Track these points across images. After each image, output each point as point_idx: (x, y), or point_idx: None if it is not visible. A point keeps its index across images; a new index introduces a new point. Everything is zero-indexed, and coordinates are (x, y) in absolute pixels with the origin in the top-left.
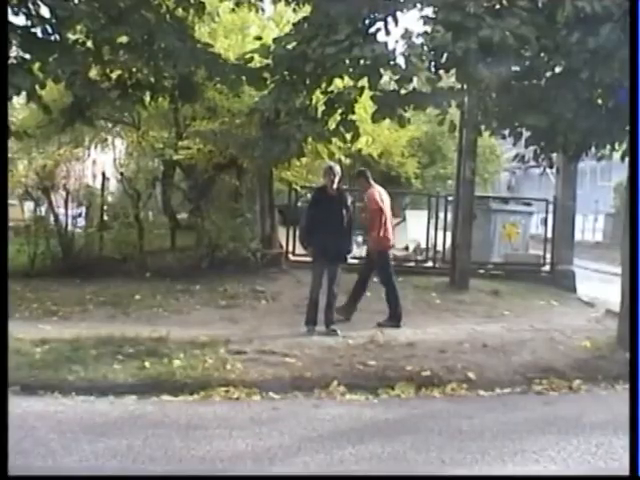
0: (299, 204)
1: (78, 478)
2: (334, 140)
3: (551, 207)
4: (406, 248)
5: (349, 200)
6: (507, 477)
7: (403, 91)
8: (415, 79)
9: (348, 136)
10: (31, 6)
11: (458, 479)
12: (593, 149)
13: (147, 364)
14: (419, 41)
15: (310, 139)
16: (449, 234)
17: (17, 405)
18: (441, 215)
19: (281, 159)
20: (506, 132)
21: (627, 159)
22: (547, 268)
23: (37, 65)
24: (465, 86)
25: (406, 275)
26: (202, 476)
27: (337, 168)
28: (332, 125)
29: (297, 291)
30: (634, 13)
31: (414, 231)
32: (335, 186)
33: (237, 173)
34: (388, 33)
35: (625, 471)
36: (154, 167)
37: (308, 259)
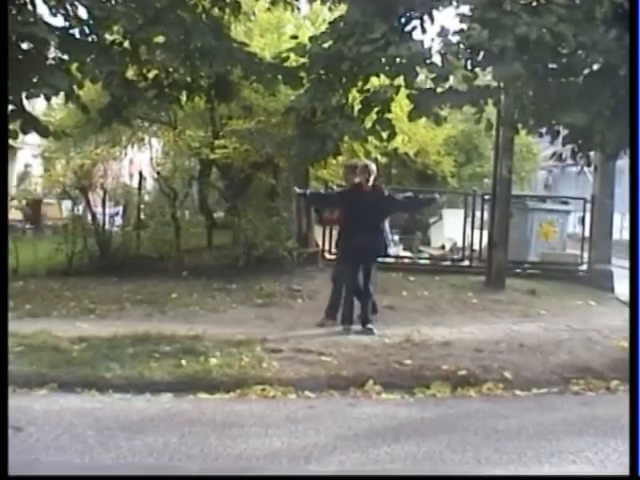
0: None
1: (78, 478)
2: (370, 139)
3: (589, 206)
4: (442, 247)
5: (385, 194)
6: (507, 477)
7: (439, 89)
8: (451, 77)
9: (384, 135)
10: (69, 7)
11: (458, 479)
12: None
13: (183, 362)
14: (455, 39)
15: (346, 138)
16: (485, 233)
17: (55, 402)
18: (477, 214)
19: (317, 158)
20: (543, 130)
21: None
22: (585, 267)
23: (75, 65)
24: (502, 84)
25: (442, 274)
26: (208, 476)
27: (373, 166)
28: (368, 124)
29: None
30: (634, 13)
31: (451, 230)
32: (370, 184)
33: (273, 172)
34: (424, 31)
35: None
36: (190, 166)
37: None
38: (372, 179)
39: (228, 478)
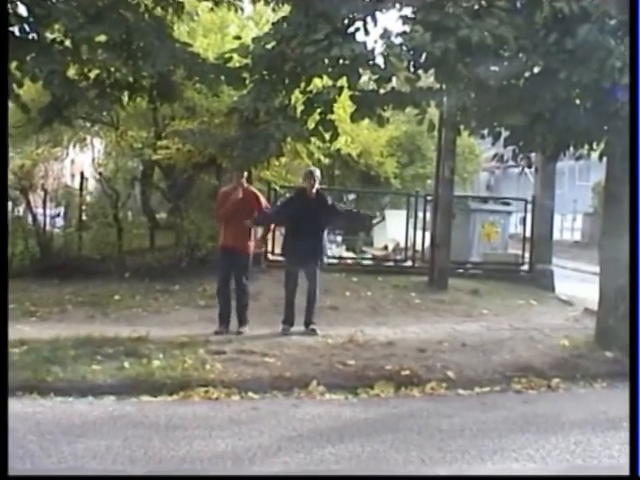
0: (278, 204)
1: (78, 478)
2: (313, 140)
3: (530, 206)
4: (385, 247)
5: (329, 203)
6: (508, 477)
7: (382, 91)
8: (394, 79)
9: (327, 136)
10: (8, 5)
11: (458, 479)
12: (572, 149)
13: (126, 365)
14: (398, 41)
15: (289, 139)
16: (428, 233)
17: None
18: (420, 215)
19: (260, 159)
20: (485, 131)
21: (605, 159)
22: (526, 267)
23: (14, 64)
24: (444, 86)
25: (385, 274)
26: (200, 476)
27: (317, 173)
28: (311, 125)
29: (276, 291)
30: (634, 13)
31: (393, 231)
32: (314, 190)
33: (216, 173)
34: (367, 33)
35: (614, 469)
36: (133, 167)
37: None
38: (316, 185)
39: (228, 478)
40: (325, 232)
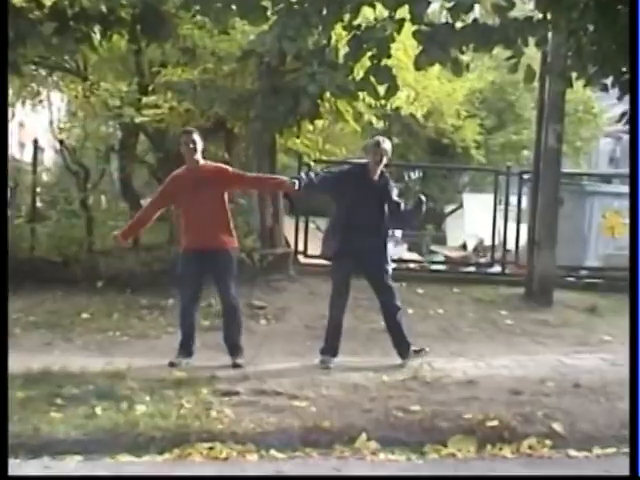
0: (331, 170)
1: (78, 478)
2: (362, 95)
3: None
4: (463, 246)
5: (394, 191)
6: (508, 477)
7: (459, 24)
8: (477, 7)
9: (382, 89)
10: None
11: (458, 479)
12: None
13: (98, 411)
14: None
15: (328, 94)
16: (524, 226)
17: None
18: (513, 200)
19: (288, 122)
20: (608, 81)
21: None
22: None
23: None
24: (549, 14)
25: (463, 284)
26: (200, 476)
27: (387, 144)
28: (359, 74)
29: (310, 306)
30: (634, 13)
31: (475, 223)
32: (380, 169)
33: (226, 141)
34: None
35: None
36: (108, 133)
37: (325, 262)
38: (384, 162)
39: (228, 478)
40: (388, 229)
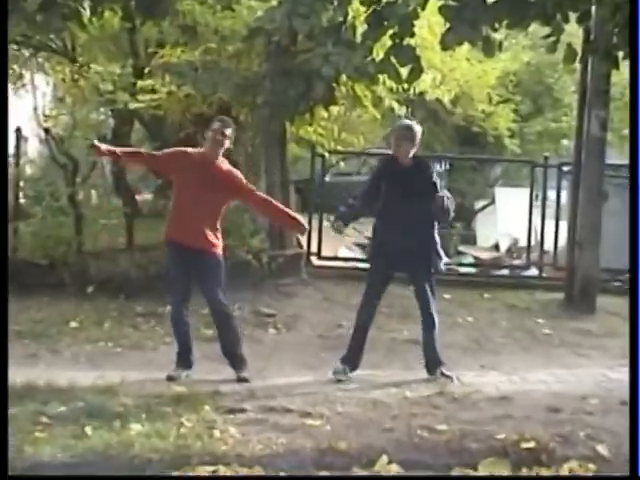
0: (328, 178)
1: (78, 478)
2: (382, 78)
3: None
4: (496, 247)
5: (434, 176)
6: (507, 477)
7: None
8: None
9: (404, 72)
10: None
11: (458, 479)
12: None
13: (88, 430)
14: None
15: (344, 76)
16: (564, 225)
17: None
18: (551, 195)
19: (299, 108)
20: None
21: None
22: None
23: None
24: None
25: (495, 289)
26: (200, 476)
27: (417, 128)
28: (379, 54)
29: (324, 314)
30: (634, 13)
31: (508, 220)
32: (411, 154)
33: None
34: None
35: None
36: (99, 121)
37: (341, 264)
38: (414, 146)
39: (228, 478)
40: (435, 222)
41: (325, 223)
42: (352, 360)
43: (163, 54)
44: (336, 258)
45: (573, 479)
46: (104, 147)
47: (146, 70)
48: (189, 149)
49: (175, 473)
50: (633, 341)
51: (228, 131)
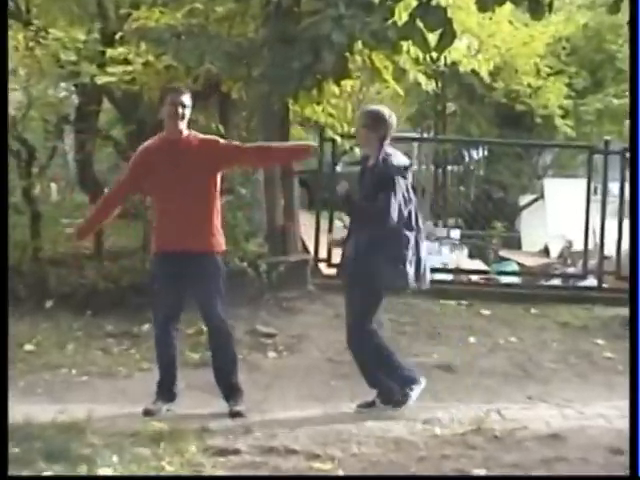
0: (339, 168)
1: (78, 478)
2: (405, 45)
3: None
4: (545, 251)
5: (399, 178)
6: (508, 477)
7: None
8: None
9: (433, 38)
10: None
11: (458, 479)
12: None
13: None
14: None
15: (359, 44)
16: (628, 224)
17: None
18: (613, 188)
19: (304, 83)
20: None
21: None
22: None
23: None
24: None
25: (544, 303)
26: (200, 476)
27: (386, 113)
28: (402, 17)
29: (336, 334)
30: (634, 13)
31: (560, 219)
32: (381, 156)
33: (220, 109)
34: None
35: None
36: (60, 98)
37: None
38: (384, 139)
39: (228, 478)
40: (406, 229)
41: (337, 223)
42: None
43: (138, 16)
44: None
45: (573, 479)
46: (82, 227)
47: (117, 36)
48: (147, 143)
49: None
50: (633, 340)
51: (185, 99)
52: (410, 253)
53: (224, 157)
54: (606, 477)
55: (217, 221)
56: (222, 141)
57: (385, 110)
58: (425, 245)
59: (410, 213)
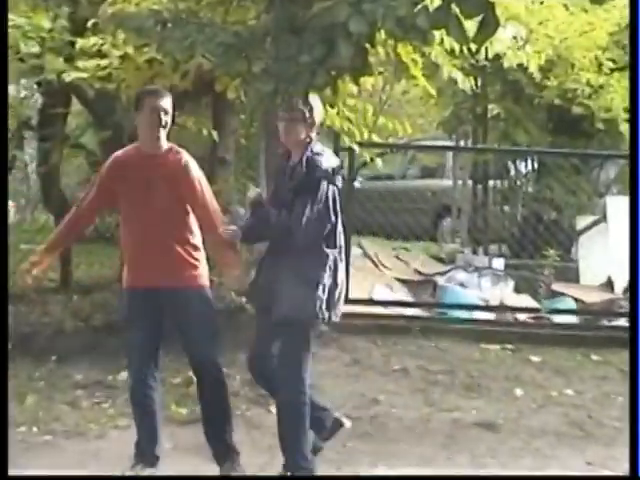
0: (358, 183)
1: (78, 478)
2: (438, 35)
3: None
4: (609, 284)
5: (324, 183)
6: (508, 477)
7: None
8: None
9: (471, 26)
10: None
11: (458, 479)
12: None
13: None
14: None
15: (382, 33)
16: None
17: None
18: None
19: (317, 80)
20: None
21: None
22: None
23: None
24: None
25: (608, 349)
26: (200, 476)
27: (315, 99)
28: (434, 1)
29: (354, 384)
30: (634, 13)
31: (626, 246)
32: (307, 153)
33: (214, 113)
34: None
35: None
36: (20, 98)
37: (378, 310)
38: (310, 131)
39: (228, 477)
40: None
41: (355, 249)
42: None
43: (115, 0)
44: (370, 301)
45: (573, 479)
46: (43, 251)
47: (89, 24)
48: (118, 153)
49: None
50: (633, 338)
51: (164, 102)
52: (326, 276)
53: (186, 191)
54: (606, 477)
55: (200, 249)
56: (193, 172)
57: (314, 96)
58: (343, 267)
59: (334, 227)
